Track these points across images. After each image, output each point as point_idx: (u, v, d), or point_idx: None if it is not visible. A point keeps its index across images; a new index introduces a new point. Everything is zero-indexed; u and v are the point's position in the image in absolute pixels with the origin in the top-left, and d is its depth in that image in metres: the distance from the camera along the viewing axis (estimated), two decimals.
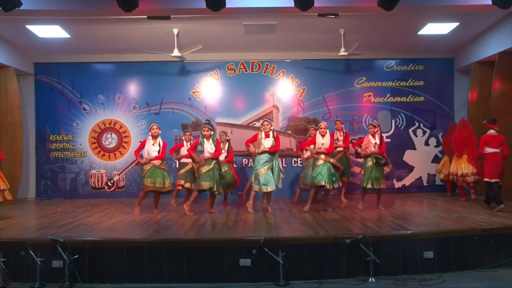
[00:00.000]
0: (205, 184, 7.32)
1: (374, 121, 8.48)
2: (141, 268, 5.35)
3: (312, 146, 7.92)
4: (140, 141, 7.79)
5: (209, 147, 7.44)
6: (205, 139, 7.48)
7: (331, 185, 7.45)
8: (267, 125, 7.70)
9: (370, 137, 7.76)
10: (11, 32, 8.59)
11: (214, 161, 7.44)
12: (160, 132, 7.66)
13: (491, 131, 7.67)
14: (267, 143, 7.58)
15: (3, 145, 9.12)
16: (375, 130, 7.75)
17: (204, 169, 7.38)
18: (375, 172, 7.60)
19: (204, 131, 7.50)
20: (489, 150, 7.57)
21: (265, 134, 7.66)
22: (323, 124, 7.73)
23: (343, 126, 8.87)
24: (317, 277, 5.32)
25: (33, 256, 5.16)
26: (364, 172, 7.75)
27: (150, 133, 7.59)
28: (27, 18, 7.70)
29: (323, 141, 7.58)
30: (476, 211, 7.22)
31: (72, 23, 8.20)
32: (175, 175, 9.90)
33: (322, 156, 7.50)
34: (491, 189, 7.43)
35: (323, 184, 7.38)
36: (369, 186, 7.61)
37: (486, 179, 7.53)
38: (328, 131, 7.72)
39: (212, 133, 7.53)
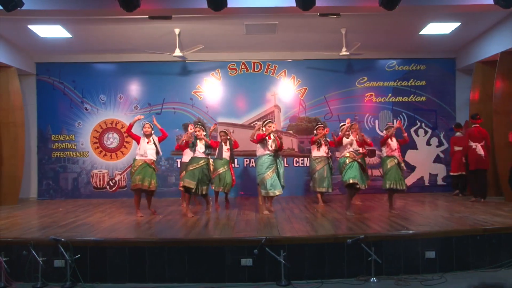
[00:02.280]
0: (188, 182, 7.27)
1: (389, 123, 8.31)
2: (142, 268, 5.36)
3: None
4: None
5: (200, 145, 7.42)
6: (198, 140, 7.48)
7: (362, 185, 7.19)
8: (270, 127, 7.56)
9: (389, 139, 7.48)
10: (13, 32, 8.61)
11: (203, 161, 7.40)
12: (153, 131, 7.52)
13: (458, 134, 9.45)
14: (270, 144, 7.50)
15: (5, 145, 9.15)
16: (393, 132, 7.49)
17: (192, 166, 7.36)
18: (398, 174, 7.32)
19: (197, 131, 7.49)
20: (456, 149, 9.32)
21: (268, 135, 7.61)
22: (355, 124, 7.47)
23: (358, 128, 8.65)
24: (318, 277, 5.32)
25: (35, 256, 5.16)
26: (386, 173, 7.40)
27: (143, 132, 7.46)
28: (28, 18, 7.72)
29: (349, 141, 7.30)
30: (478, 211, 7.21)
31: (74, 23, 8.21)
32: (177, 175, 9.94)
33: (347, 154, 7.18)
34: (457, 180, 9.48)
35: (353, 182, 7.01)
36: (394, 187, 7.27)
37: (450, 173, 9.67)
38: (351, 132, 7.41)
39: (204, 133, 7.50)
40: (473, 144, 8.50)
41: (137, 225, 6.58)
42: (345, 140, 7.25)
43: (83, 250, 5.33)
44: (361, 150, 7.90)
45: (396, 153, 7.41)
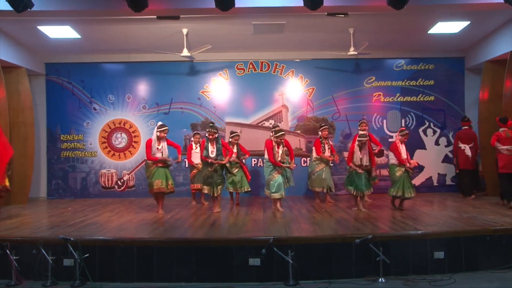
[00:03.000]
0: (205, 189, 7.62)
1: (402, 127, 8.40)
2: (150, 267, 5.39)
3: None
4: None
5: (211, 150, 7.54)
6: (209, 143, 7.57)
7: (363, 193, 7.45)
8: (282, 138, 7.70)
9: (400, 144, 7.52)
10: (23, 33, 8.68)
11: (215, 164, 7.58)
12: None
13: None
14: (279, 154, 7.66)
15: (15, 144, 9.18)
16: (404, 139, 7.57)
17: (205, 172, 7.61)
18: (407, 182, 7.37)
19: (209, 135, 7.56)
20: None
21: (277, 146, 7.68)
22: (363, 138, 7.33)
23: (367, 128, 8.55)
24: (326, 277, 5.31)
25: (44, 255, 5.22)
26: (394, 181, 7.47)
27: (158, 135, 7.48)
28: (38, 19, 7.78)
29: (361, 156, 7.36)
30: (488, 212, 7.16)
31: (83, 23, 8.26)
32: (185, 174, 9.97)
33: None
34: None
35: (353, 193, 7.49)
36: (400, 194, 7.36)
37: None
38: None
39: (216, 136, 7.60)
40: (462, 146, 9.14)
41: (145, 225, 6.61)
42: (356, 153, 7.41)
43: (92, 249, 5.37)
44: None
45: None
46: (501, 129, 8.01)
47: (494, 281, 5.23)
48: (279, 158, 7.65)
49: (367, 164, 7.43)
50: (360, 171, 7.38)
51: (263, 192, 9.48)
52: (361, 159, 7.37)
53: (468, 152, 9.05)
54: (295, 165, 7.87)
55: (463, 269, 5.53)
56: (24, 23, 8.02)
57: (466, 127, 9.28)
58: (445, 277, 5.30)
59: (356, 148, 7.41)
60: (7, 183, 7.17)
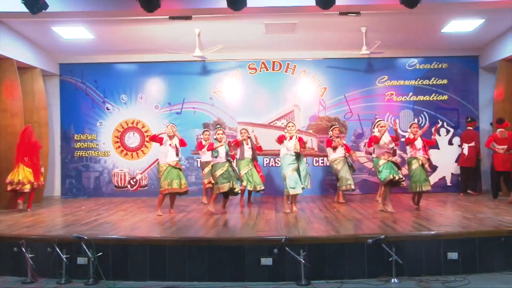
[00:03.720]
0: (225, 186, 7.37)
1: (414, 121, 8.45)
2: (163, 266, 5.42)
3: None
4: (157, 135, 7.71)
5: (222, 151, 7.49)
6: (218, 143, 7.53)
7: (399, 177, 7.27)
8: (292, 127, 7.65)
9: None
10: (38, 34, 8.80)
11: (227, 164, 7.48)
12: (175, 129, 7.65)
13: (500, 130, 9.25)
14: (291, 145, 7.56)
15: None
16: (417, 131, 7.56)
17: (219, 172, 7.45)
18: (423, 174, 7.35)
19: (217, 134, 7.55)
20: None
21: (289, 137, 7.66)
22: (382, 122, 7.52)
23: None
24: (338, 277, 5.29)
25: (59, 253, 5.28)
26: (411, 175, 7.45)
27: (166, 132, 7.54)
28: (52, 20, 7.88)
29: (386, 140, 7.38)
30: (503, 212, 7.07)
31: (96, 24, 8.34)
32: (197, 174, 10.01)
33: (385, 156, 7.38)
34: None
35: (392, 177, 7.19)
36: (419, 189, 7.35)
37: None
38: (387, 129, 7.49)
39: (224, 137, 7.59)
40: (462, 145, 9.61)
41: (158, 224, 6.66)
42: (382, 140, 7.35)
43: (105, 248, 5.42)
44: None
45: (421, 153, 7.41)
46: (497, 130, 8.45)
47: (510, 283, 5.15)
48: (291, 148, 7.55)
49: (393, 147, 7.41)
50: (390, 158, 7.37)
51: (275, 192, 9.52)
52: (386, 144, 7.36)
53: (465, 150, 9.47)
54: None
55: (477, 271, 5.46)
56: (38, 24, 8.12)
57: (470, 128, 9.65)
58: (459, 278, 5.24)
59: (379, 135, 7.41)
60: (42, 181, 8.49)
